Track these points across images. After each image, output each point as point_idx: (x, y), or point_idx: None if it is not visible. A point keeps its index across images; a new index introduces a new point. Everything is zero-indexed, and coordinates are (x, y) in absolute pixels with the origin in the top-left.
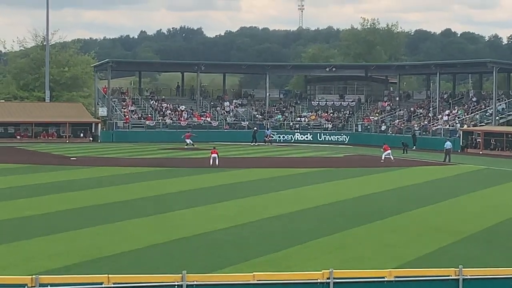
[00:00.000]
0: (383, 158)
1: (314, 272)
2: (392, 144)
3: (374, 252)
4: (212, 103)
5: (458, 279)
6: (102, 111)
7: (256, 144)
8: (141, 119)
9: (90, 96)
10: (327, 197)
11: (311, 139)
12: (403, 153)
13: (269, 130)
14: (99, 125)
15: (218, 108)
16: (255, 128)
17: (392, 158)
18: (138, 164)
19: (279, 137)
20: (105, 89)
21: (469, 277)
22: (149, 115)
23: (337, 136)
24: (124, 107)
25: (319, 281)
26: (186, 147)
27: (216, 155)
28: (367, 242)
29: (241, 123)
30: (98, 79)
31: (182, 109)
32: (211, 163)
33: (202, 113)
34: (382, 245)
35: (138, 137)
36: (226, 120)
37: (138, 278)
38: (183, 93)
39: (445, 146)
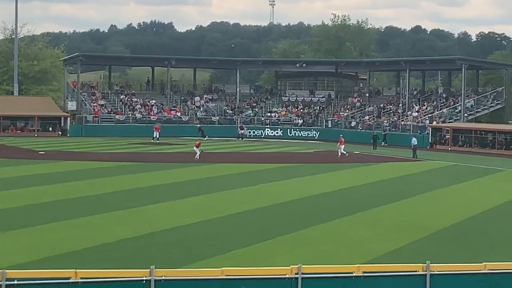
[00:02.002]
0: (342, 153)
1: (282, 267)
2: (362, 140)
3: (342, 247)
4: (182, 98)
5: (425, 275)
6: (72, 105)
7: (206, 139)
8: (111, 113)
9: (59, 90)
10: (297, 192)
11: (282, 134)
12: (374, 148)
13: (243, 126)
14: (68, 119)
15: (188, 103)
16: (199, 125)
17: (345, 153)
18: (108, 159)
19: (249, 132)
20: (74, 83)
21: (437, 272)
22: (119, 110)
23: (307, 132)
24: (93, 101)
25: (287, 276)
26: (152, 141)
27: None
28: (336, 237)
29: (211, 118)
30: (68, 73)
31: (152, 103)
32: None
33: (173, 108)
34: (351, 240)
35: (108, 131)
36: (196, 115)
37: (106, 273)
38: (153, 88)
39: (412, 142)
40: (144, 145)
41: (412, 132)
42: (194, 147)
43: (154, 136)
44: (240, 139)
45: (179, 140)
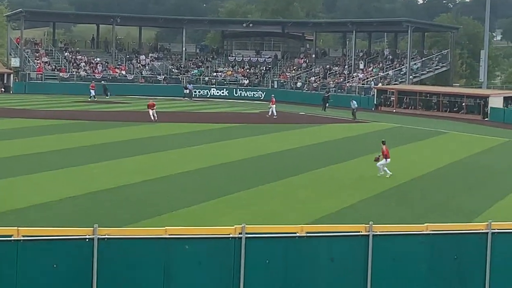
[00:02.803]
0: (270, 113)
1: (226, 227)
2: (308, 101)
3: (287, 208)
4: (127, 56)
5: (368, 235)
6: (15, 62)
7: (109, 97)
8: (55, 71)
9: (2, 46)
10: (242, 152)
11: (227, 94)
12: (323, 110)
13: (191, 85)
14: (12, 76)
15: (133, 62)
16: (103, 82)
17: (275, 113)
18: (51, 117)
19: (195, 92)
20: (18, 40)
21: (379, 233)
22: (63, 67)
23: (253, 92)
24: (37, 59)
25: (231, 236)
26: (89, 99)
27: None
28: (281, 198)
29: (157, 77)
30: (11, 29)
31: (97, 61)
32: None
33: (118, 66)
34: (295, 201)
35: (52, 89)
36: (141, 74)
37: (48, 232)
38: (98, 46)
39: (351, 105)
40: (88, 103)
41: (357, 94)
42: (148, 109)
43: (91, 94)
44: (187, 98)
45: (124, 99)
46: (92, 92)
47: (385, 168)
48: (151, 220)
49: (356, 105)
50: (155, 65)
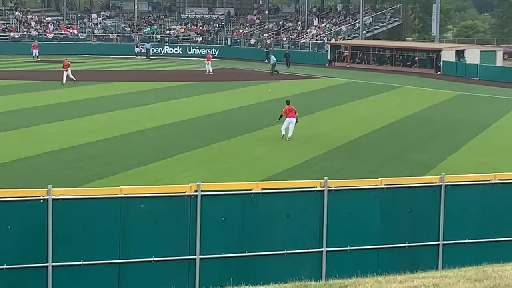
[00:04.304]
0: (209, 70)
1: (182, 185)
2: (262, 58)
3: (242, 165)
4: (79, 15)
5: (323, 191)
6: None
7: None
8: (5, 31)
9: None
10: (197, 110)
11: (181, 52)
12: (287, 67)
13: (149, 44)
14: None
15: (85, 20)
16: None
17: (211, 70)
18: (2, 77)
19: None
20: None
21: (334, 188)
22: (14, 27)
23: (206, 50)
24: None
25: (186, 194)
26: (33, 60)
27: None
28: (236, 155)
29: (109, 36)
30: None
31: (48, 21)
32: (64, 80)
33: (69, 26)
34: (251, 158)
35: (2, 49)
36: (93, 33)
37: (2, 193)
38: (48, 5)
39: (271, 60)
40: (40, 63)
41: (311, 50)
42: (63, 70)
43: (34, 54)
44: (140, 57)
45: (77, 58)
46: (35, 52)
47: (283, 128)
48: (106, 180)
49: (275, 60)
50: (107, 23)
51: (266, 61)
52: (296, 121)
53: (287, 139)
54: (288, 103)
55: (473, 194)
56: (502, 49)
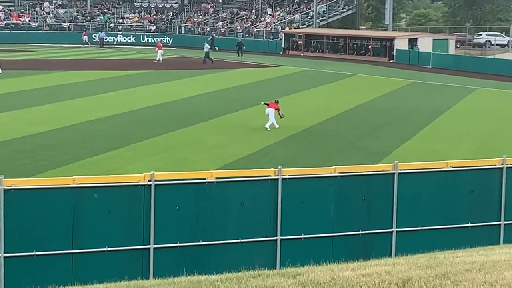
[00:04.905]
0: (158, 59)
1: (135, 174)
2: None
3: (197, 153)
4: (31, 3)
5: (277, 179)
6: None
7: None
8: None
9: None
10: (150, 99)
11: (134, 41)
12: (238, 56)
13: (103, 32)
14: None
15: (37, 9)
16: None
17: (161, 59)
18: None
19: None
20: None
21: (288, 176)
22: None
23: (160, 38)
24: None
25: (140, 183)
26: None
27: None
28: (190, 144)
29: (61, 24)
30: None
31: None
32: None
33: (21, 14)
34: (205, 146)
35: None
36: (46, 21)
37: None
38: None
39: (204, 48)
40: None
41: (265, 38)
42: None
43: None
44: (88, 45)
45: (28, 47)
46: None
47: (271, 122)
48: (59, 170)
49: (209, 47)
50: (60, 12)
51: (238, 52)
52: (281, 117)
53: (265, 127)
54: (277, 102)
55: (425, 182)
56: (454, 38)
